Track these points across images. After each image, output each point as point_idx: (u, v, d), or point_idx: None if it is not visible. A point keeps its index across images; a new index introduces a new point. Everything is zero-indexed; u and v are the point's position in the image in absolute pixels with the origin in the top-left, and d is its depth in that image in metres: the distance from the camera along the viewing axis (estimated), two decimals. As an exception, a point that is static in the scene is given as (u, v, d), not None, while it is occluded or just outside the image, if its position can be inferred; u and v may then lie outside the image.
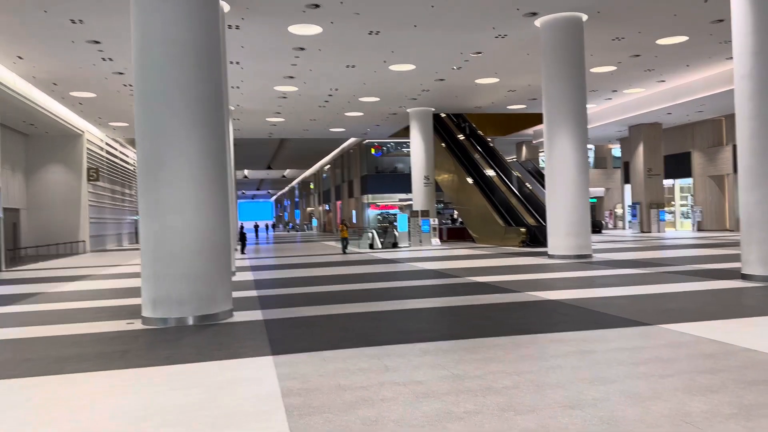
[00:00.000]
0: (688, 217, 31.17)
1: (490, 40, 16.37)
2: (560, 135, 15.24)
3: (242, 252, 23.51)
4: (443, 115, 28.65)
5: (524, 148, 39.09)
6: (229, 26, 14.25)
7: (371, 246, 22.71)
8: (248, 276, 13.71)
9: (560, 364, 5.01)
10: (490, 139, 33.22)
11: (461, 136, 28.09)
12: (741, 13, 9.75)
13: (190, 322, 7.37)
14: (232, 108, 24.60)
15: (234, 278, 13.23)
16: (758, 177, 9.62)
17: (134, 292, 10.90)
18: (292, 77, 19.87)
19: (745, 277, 9.94)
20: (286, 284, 11.75)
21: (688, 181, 30.87)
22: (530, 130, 34.19)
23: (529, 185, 25.98)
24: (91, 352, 6.06)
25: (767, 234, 9.55)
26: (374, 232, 23.54)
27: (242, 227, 26.01)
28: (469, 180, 25.60)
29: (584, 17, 14.71)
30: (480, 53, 17.74)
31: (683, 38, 16.82)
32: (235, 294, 10.23)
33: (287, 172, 66.58)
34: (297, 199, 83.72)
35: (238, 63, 17.78)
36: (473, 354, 5.48)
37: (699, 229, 29.31)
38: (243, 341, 6.35)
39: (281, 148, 44.24)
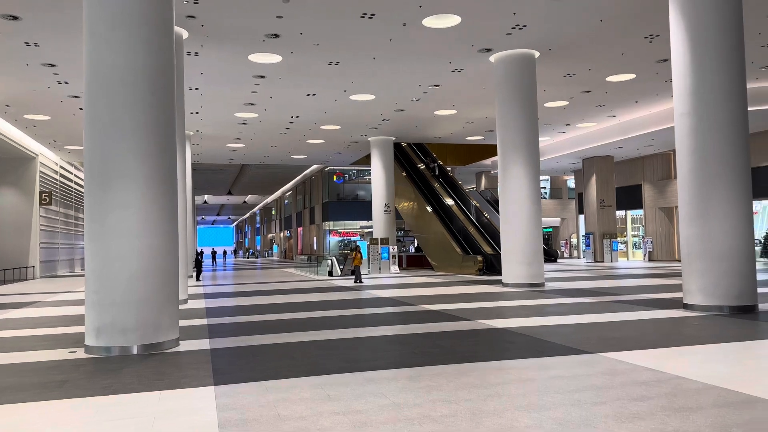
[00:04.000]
0: (639, 248, 32.11)
1: (448, 73, 16.81)
2: (514, 166, 15.65)
3: (197, 279, 23.12)
4: (404, 144, 29.05)
5: (483, 178, 39.83)
6: (188, 53, 14.27)
7: (330, 273, 22.65)
8: (200, 304, 13.50)
9: (499, 392, 5.12)
10: (450, 169, 33.80)
11: (421, 166, 28.49)
12: (680, 55, 10.30)
13: (135, 351, 7.23)
14: (191, 133, 24.44)
15: (185, 306, 13.01)
16: (697, 211, 10.06)
17: (80, 319, 10.62)
18: (252, 104, 19.92)
19: (686, 306, 10.30)
20: (239, 312, 11.63)
21: (639, 213, 31.89)
22: (488, 161, 34.92)
23: (486, 214, 26.45)
24: (29, 382, 5.88)
25: (706, 265, 9.94)
26: (334, 259, 23.51)
27: (200, 253, 25.62)
28: (429, 208, 25.91)
29: (536, 54, 15.28)
30: (438, 86, 18.17)
31: (631, 76, 17.59)
32: (185, 322, 10.07)
33: (248, 197, 66.06)
34: (258, 225, 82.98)
35: (197, 89, 17.76)
36: (416, 383, 5.54)
37: (650, 259, 30.20)
38: (186, 371, 6.27)
39: (242, 173, 43.97)
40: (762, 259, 25.14)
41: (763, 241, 25.47)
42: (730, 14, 9.86)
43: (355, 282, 18.42)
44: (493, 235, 24.03)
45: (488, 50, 14.95)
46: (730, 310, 9.71)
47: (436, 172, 27.80)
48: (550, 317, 9.84)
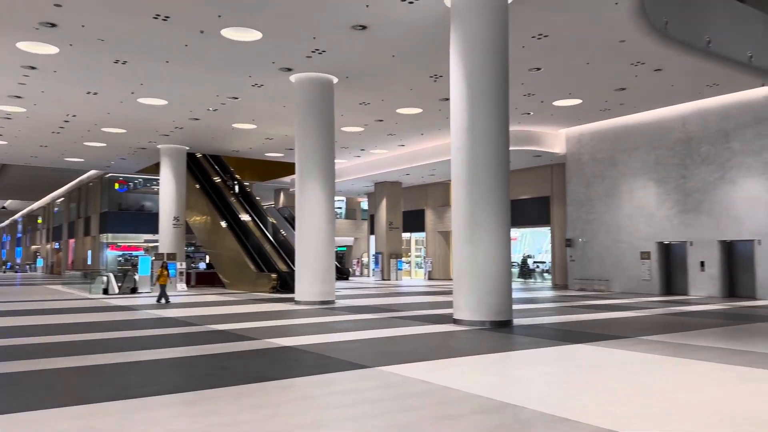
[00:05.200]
0: (421, 267, 34.79)
1: (247, 87, 16.60)
2: (310, 186, 15.93)
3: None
4: (199, 155, 27.84)
5: (282, 195, 39.87)
6: (-65, 28, 12.08)
7: (105, 291, 20.61)
8: (-65, 326, 11.31)
9: (280, 412, 5.10)
10: (248, 184, 33.23)
11: (217, 179, 27.55)
12: (457, 95, 11.49)
13: None
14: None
15: None
16: (468, 235, 11.22)
17: None
18: (18, 97, 17.47)
19: (456, 321, 11.38)
20: (-14, 336, 9.97)
21: (422, 235, 34.60)
22: (288, 178, 35.10)
23: (284, 232, 26.44)
24: None
25: (474, 284, 11.11)
26: (111, 275, 21.45)
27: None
28: (223, 223, 25.09)
29: (335, 80, 15.85)
30: (237, 98, 17.83)
31: (418, 110, 19.15)
32: None
33: (8, 203, 57.40)
34: (20, 235, 72.41)
35: (-55, 72, 15.05)
36: (194, 407, 5.28)
37: (429, 278, 32.87)
38: None
39: (2, 174, 38.14)
40: (519, 280, 28.91)
41: (520, 263, 29.34)
42: (498, 65, 11.28)
43: (158, 301, 16.69)
44: (289, 252, 24.08)
45: (289, 69, 15.11)
46: (491, 324, 10.95)
47: (236, 190, 27.08)
48: (337, 334, 10.13)
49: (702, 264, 18.61)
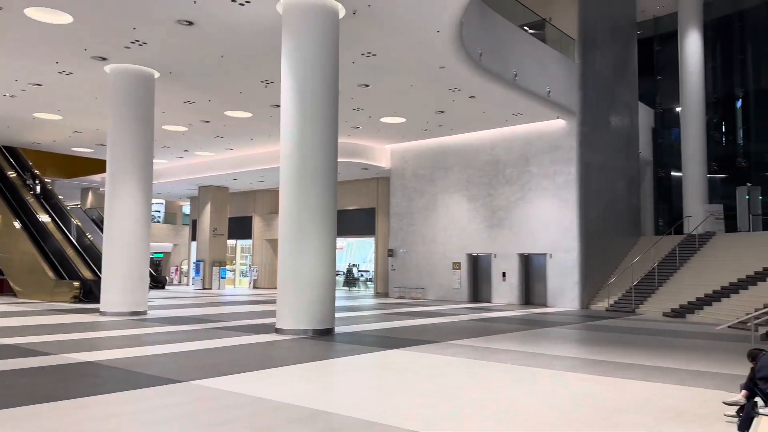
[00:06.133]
0: (246, 276, 33.94)
1: (53, 74, 14.93)
2: (124, 186, 14.74)
3: None
4: (-10, 146, 24.34)
5: (90, 195, 36.32)
6: None
7: None
8: None
9: (75, 435, 4.63)
10: (50, 181, 29.76)
11: (12, 174, 24.28)
12: (288, 104, 11.45)
13: None
14: None
15: None
16: (293, 244, 11.21)
17: None
18: None
19: (278, 331, 11.27)
20: None
21: (248, 242, 33.80)
22: (98, 177, 32.08)
23: (90, 235, 24.04)
24: None
25: (298, 293, 11.10)
26: None
27: None
28: (17, 224, 22.15)
29: (156, 74, 14.91)
30: (40, 85, 15.94)
31: (248, 114, 18.74)
32: None
33: None
34: None
35: None
36: (-34, 435, 4.57)
37: (255, 287, 32.19)
38: None
39: None
40: (344, 288, 29.55)
41: (345, 272, 30.01)
42: (328, 77, 11.47)
43: None
44: (95, 258, 21.93)
45: (104, 59, 13.90)
46: (313, 333, 11.02)
47: (37, 191, 24.04)
48: (148, 347, 9.47)
49: (504, 274, 20.61)
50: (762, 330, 11.82)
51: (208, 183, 29.86)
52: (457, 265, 21.73)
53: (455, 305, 19.50)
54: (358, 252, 30.45)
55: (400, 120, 19.60)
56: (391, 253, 23.82)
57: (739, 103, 24.37)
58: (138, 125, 14.87)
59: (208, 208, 30.87)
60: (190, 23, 11.87)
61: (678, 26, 23.54)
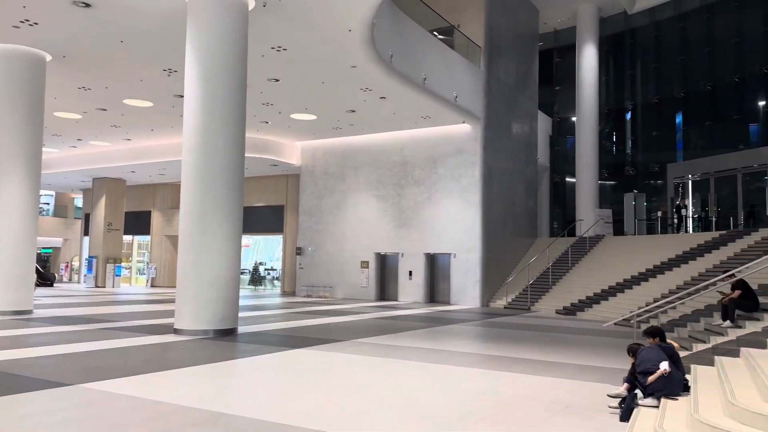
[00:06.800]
0: (143, 274, 32.33)
1: (-75, 48, 13.49)
2: (9, 177, 13.57)
3: None
4: None
5: (-33, 185, 33.21)
6: None
7: None
8: None
9: (-59, 447, 4.20)
10: None
11: None
12: (191, 93, 11.02)
13: None
14: None
15: None
16: (193, 241, 10.80)
17: None
18: None
19: (176, 331, 10.81)
20: None
21: (146, 239, 32.22)
22: (-23, 165, 29.41)
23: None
24: None
25: (197, 292, 10.71)
26: None
27: None
28: None
29: (48, 57, 13.86)
30: None
31: (149, 104, 17.85)
32: None
33: None
34: None
35: None
36: None
37: (153, 286, 30.73)
38: None
39: None
40: (249, 287, 28.88)
41: (251, 270, 29.33)
42: (236, 70, 11.15)
43: None
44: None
45: (-13, 37, 12.74)
46: (214, 333, 10.67)
47: None
48: (32, 348, 8.78)
49: (410, 273, 20.99)
50: (644, 327, 12.81)
51: (103, 174, 28.19)
52: (365, 264, 21.87)
53: (362, 304, 19.62)
54: (265, 250, 29.87)
55: (311, 117, 19.44)
56: (299, 251, 23.58)
57: (628, 116, 26.30)
58: (26, 111, 13.74)
59: (102, 201, 29.14)
60: (87, 5, 11.14)
61: (576, 40, 25.00)
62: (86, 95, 17.02)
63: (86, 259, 30.28)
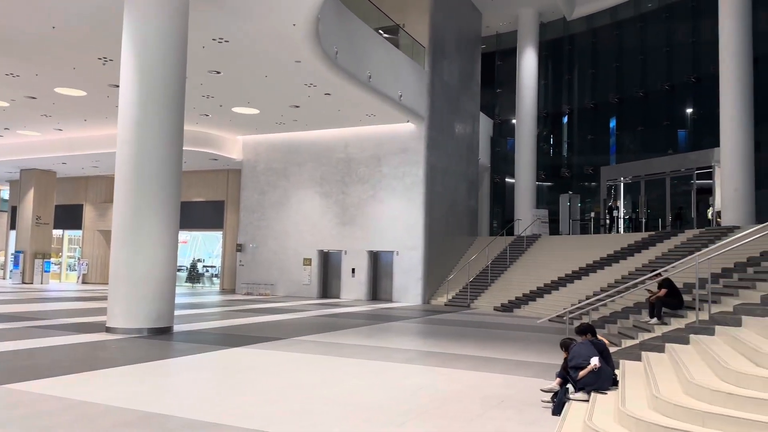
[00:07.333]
0: (74, 270, 30.96)
1: None
2: None
3: None
4: None
5: None
6: None
7: None
8: None
9: None
10: None
11: None
12: (128, 85, 10.61)
13: None
14: None
15: None
16: (127, 236, 10.43)
17: None
18: None
19: (109, 330, 10.41)
20: None
21: (78, 233, 30.87)
22: None
23: None
24: None
25: (130, 289, 10.35)
26: None
27: None
28: None
29: (-29, 40, 13.07)
30: None
31: (82, 93, 17.09)
32: None
33: None
34: None
35: None
36: None
37: (84, 282, 29.48)
38: None
39: None
40: (186, 284, 28.12)
41: (189, 267, 28.56)
42: (175, 60, 10.80)
43: None
44: None
45: None
46: (149, 331, 10.34)
47: None
48: (-52, 350, 8.27)
49: (353, 271, 20.98)
50: (576, 323, 13.28)
51: (31, 166, 26.84)
52: (307, 261, 21.70)
53: (304, 301, 19.47)
54: (203, 246, 29.18)
55: (254, 111, 19.11)
56: (239, 248, 23.15)
57: (565, 119, 27.17)
58: (-56, 95, 12.92)
59: (31, 193, 27.74)
60: (15, -15, 10.56)
61: (517, 44, 25.61)
62: (14, 82, 16.14)
63: (12, 254, 28.79)
